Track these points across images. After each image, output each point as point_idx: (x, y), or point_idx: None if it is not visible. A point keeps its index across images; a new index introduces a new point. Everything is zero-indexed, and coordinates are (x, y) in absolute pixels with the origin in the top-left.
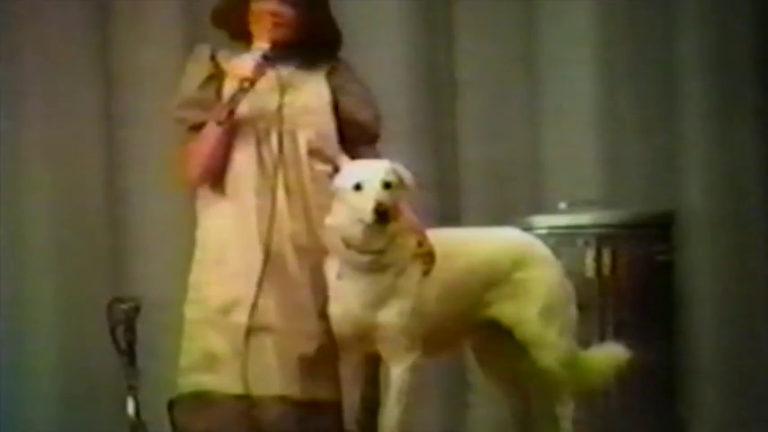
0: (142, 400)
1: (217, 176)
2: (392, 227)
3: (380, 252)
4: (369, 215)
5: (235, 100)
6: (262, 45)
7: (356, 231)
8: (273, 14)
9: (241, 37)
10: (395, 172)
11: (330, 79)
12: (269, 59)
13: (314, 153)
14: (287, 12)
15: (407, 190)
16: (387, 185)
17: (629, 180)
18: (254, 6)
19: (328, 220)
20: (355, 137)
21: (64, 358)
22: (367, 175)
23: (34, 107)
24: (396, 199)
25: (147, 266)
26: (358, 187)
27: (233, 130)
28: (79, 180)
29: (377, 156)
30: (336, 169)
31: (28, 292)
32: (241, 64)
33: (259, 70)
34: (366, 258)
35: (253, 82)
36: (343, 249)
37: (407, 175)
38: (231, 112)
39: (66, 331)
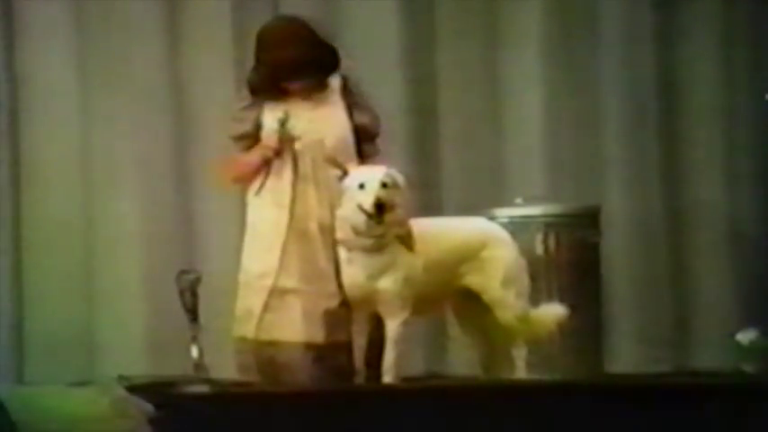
0: (206, 347)
1: (247, 183)
2: (388, 217)
3: (379, 236)
4: (370, 208)
5: (283, 139)
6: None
7: (360, 220)
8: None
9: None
10: (390, 175)
11: (344, 96)
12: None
13: (329, 160)
14: (299, 86)
15: (400, 189)
16: (384, 185)
17: (568, 182)
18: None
19: (339, 212)
20: (361, 136)
21: (149, 314)
22: (369, 177)
23: (124, 127)
24: (391, 196)
25: (210, 247)
26: (362, 186)
27: (280, 154)
28: (159, 181)
29: (377, 148)
30: (345, 173)
31: (123, 267)
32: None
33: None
34: (369, 241)
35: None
36: (351, 234)
37: (400, 178)
38: (281, 145)
39: (150, 295)
